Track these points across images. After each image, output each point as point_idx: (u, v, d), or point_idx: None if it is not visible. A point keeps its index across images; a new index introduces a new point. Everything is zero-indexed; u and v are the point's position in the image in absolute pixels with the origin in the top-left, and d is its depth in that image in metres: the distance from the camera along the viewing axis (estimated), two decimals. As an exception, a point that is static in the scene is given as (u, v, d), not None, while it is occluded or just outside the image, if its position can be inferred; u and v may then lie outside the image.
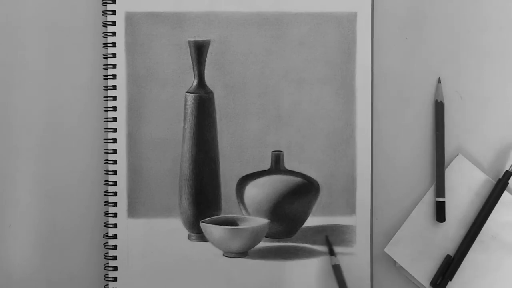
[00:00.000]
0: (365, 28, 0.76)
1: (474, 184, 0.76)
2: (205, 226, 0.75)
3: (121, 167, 0.76)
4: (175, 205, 0.76)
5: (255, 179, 0.76)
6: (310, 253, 0.76)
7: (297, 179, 0.76)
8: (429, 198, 0.76)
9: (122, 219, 0.76)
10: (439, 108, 0.76)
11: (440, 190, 0.75)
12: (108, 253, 0.76)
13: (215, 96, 0.76)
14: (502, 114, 0.77)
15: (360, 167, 0.76)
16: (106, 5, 0.75)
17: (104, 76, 0.76)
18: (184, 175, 0.76)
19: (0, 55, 0.76)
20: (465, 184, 0.76)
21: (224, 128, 0.76)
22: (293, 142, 0.76)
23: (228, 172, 0.76)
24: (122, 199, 0.76)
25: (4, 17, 0.76)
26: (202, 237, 0.76)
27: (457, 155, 0.76)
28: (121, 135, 0.76)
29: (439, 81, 0.75)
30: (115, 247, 0.75)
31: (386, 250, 0.75)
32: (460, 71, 0.77)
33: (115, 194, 0.75)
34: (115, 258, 0.75)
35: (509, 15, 0.77)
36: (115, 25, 0.75)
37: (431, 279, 0.75)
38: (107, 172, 0.76)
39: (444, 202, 0.75)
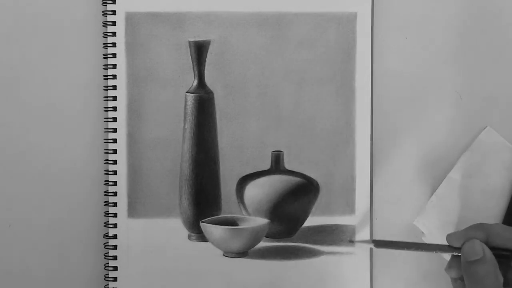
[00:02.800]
0: (365, 28, 0.76)
1: (504, 158, 0.76)
2: (205, 226, 0.76)
3: (121, 167, 0.76)
4: (175, 205, 0.76)
5: (255, 179, 0.76)
6: (310, 253, 0.76)
7: (297, 179, 0.76)
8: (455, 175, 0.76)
9: (122, 219, 0.76)
10: None
11: None
12: (108, 253, 0.76)
13: (215, 96, 0.76)
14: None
15: (359, 167, 0.76)
16: (106, 5, 0.75)
17: (104, 76, 0.76)
18: (184, 175, 0.76)
19: (0, 55, 0.76)
20: (494, 158, 0.76)
21: (224, 128, 0.76)
22: (293, 142, 0.76)
23: (228, 172, 0.76)
24: (122, 199, 0.76)
25: (4, 17, 0.76)
26: (202, 237, 0.76)
27: (485, 127, 0.76)
28: (121, 135, 0.76)
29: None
30: (115, 247, 0.75)
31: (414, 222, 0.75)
32: (460, 71, 0.77)
33: (115, 194, 0.75)
34: (115, 258, 0.75)
35: (509, 15, 0.77)
36: (115, 25, 0.75)
37: None
38: (107, 172, 0.76)
39: None
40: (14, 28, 0.76)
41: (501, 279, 0.62)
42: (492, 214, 0.76)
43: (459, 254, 0.64)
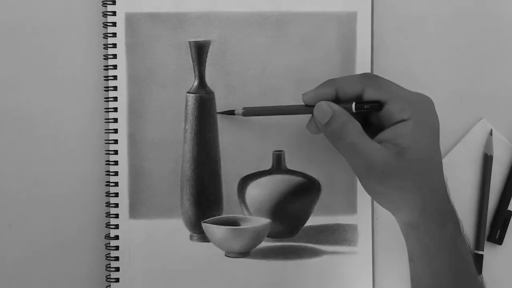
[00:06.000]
0: (365, 28, 0.76)
1: (497, 152, 0.76)
2: (206, 227, 0.76)
3: (122, 168, 0.75)
4: (176, 206, 0.76)
5: (257, 179, 0.76)
6: (312, 253, 0.76)
7: (299, 179, 0.76)
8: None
9: (124, 220, 0.76)
10: (487, 162, 0.76)
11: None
12: (110, 254, 0.76)
13: (216, 96, 0.76)
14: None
15: (361, 167, 0.76)
16: (106, 6, 0.75)
17: (105, 77, 0.76)
18: (186, 175, 0.76)
19: (0, 56, 0.76)
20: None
21: (225, 128, 0.76)
22: (294, 142, 0.76)
23: (230, 172, 0.76)
24: (123, 200, 0.75)
25: (4, 18, 0.76)
26: (203, 238, 0.76)
27: (480, 119, 0.77)
28: (122, 136, 0.76)
29: (490, 133, 0.76)
30: (117, 248, 0.75)
31: None
32: (460, 71, 0.77)
33: (116, 195, 0.75)
34: (117, 259, 0.75)
35: (509, 15, 0.77)
36: (115, 26, 0.75)
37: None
38: (108, 173, 0.75)
39: (482, 255, 0.76)
40: (14, 29, 0.76)
41: (358, 125, 0.64)
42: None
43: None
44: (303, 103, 0.68)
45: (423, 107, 0.64)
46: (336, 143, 0.64)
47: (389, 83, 0.65)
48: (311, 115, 0.68)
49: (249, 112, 0.72)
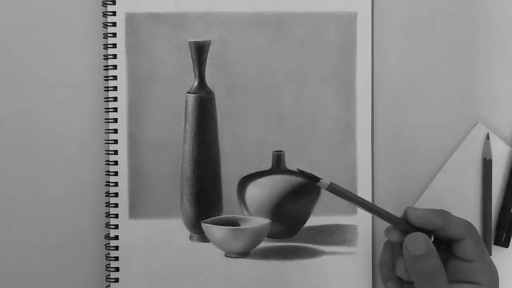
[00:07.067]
0: (365, 28, 0.76)
1: (496, 155, 0.76)
2: (206, 227, 0.76)
3: (122, 168, 0.76)
4: (176, 206, 0.76)
5: (256, 179, 0.76)
6: (311, 253, 0.76)
7: (298, 179, 0.76)
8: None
9: (124, 220, 0.76)
10: (487, 166, 0.76)
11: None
12: (109, 254, 0.76)
13: (216, 96, 0.76)
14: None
15: (360, 167, 0.76)
16: (106, 6, 0.75)
17: (105, 77, 0.76)
18: (185, 175, 0.76)
19: (0, 56, 0.76)
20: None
21: (225, 128, 0.76)
22: (294, 142, 0.76)
23: (229, 172, 0.76)
24: (123, 200, 0.76)
25: (4, 18, 0.76)
26: (203, 238, 0.76)
27: (476, 124, 0.77)
28: (122, 136, 0.76)
29: (487, 137, 0.75)
30: (116, 248, 0.75)
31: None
32: (460, 71, 0.77)
33: (116, 195, 0.75)
34: (116, 259, 0.75)
35: (509, 15, 0.77)
36: (115, 26, 0.75)
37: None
38: (108, 173, 0.76)
39: None
40: (14, 29, 0.76)
41: (444, 272, 0.61)
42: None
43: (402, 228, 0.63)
44: (403, 215, 0.63)
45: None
46: (419, 278, 0.60)
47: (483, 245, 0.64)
48: (392, 223, 0.63)
49: (334, 190, 0.61)
